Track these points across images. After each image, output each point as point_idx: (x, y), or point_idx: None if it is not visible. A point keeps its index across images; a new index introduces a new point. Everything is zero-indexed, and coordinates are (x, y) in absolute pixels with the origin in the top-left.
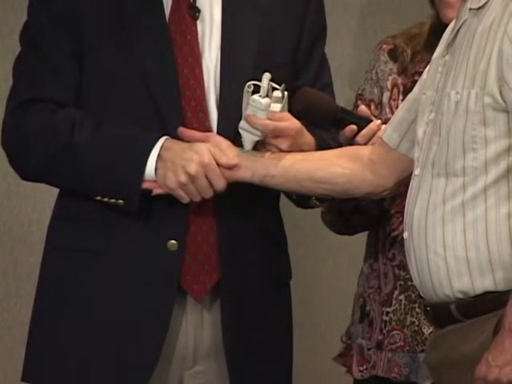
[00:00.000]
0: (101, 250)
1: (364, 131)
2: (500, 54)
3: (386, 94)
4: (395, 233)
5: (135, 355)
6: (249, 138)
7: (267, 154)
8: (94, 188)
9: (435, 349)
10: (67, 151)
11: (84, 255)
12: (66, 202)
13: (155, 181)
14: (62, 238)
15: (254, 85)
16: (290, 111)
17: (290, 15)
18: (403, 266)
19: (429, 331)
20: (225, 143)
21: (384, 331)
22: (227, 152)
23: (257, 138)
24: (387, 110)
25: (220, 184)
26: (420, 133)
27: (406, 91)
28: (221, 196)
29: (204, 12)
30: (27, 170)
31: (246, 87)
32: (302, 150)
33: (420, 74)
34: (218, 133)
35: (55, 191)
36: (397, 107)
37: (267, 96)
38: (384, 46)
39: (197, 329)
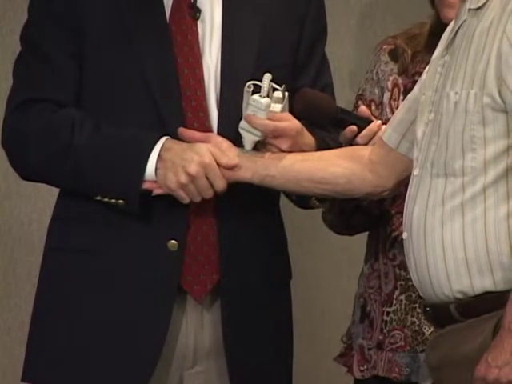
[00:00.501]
0: (101, 250)
1: (364, 132)
2: (499, 54)
3: (387, 95)
4: (396, 233)
5: (135, 355)
6: (249, 138)
7: (267, 155)
8: (94, 188)
9: (435, 349)
10: (67, 151)
11: (84, 255)
12: (66, 202)
13: (155, 181)
14: (62, 238)
15: (254, 85)
16: (290, 112)
17: (290, 15)
18: (404, 266)
19: (429, 331)
20: (225, 143)
21: (384, 331)
22: (227, 152)
23: (257, 138)
24: (388, 110)
25: (220, 184)
26: (419, 133)
27: (407, 91)
28: (221, 196)
29: (205, 12)
30: (27, 170)
31: (245, 87)
32: (302, 151)
33: (420, 74)
34: (219, 133)
35: (55, 191)
36: (397, 107)
37: (268, 96)
38: (384, 47)
39: (197, 329)
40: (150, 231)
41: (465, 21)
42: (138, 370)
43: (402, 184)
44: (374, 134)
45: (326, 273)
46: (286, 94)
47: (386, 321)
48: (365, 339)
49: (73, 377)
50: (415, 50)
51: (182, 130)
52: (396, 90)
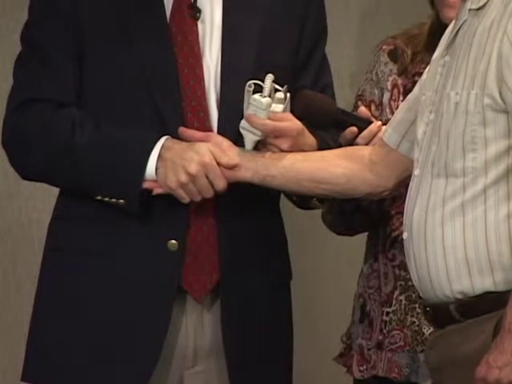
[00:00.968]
0: (101, 249)
1: (364, 133)
2: (500, 54)
3: (387, 95)
4: (395, 233)
5: (135, 355)
6: (249, 138)
7: (268, 154)
8: (94, 188)
9: (435, 349)
10: (67, 151)
11: (84, 255)
12: (67, 201)
13: (156, 180)
14: (63, 237)
15: (254, 84)
16: (291, 112)
17: (290, 16)
18: (403, 266)
19: (429, 331)
20: (225, 143)
21: (384, 331)
22: (228, 152)
23: (257, 138)
24: (387, 110)
25: (221, 184)
26: (420, 133)
27: (407, 92)
28: (221, 196)
29: (205, 12)
30: (28, 170)
31: (246, 86)
32: (302, 151)
33: (420, 74)
34: (219, 133)
35: (55, 191)
36: (397, 108)
37: (269, 97)
38: (384, 47)
39: (197, 329)
40: (150, 231)
41: (465, 21)
42: (137, 370)
43: (403, 184)
44: (374, 135)
45: (325, 273)
46: (288, 94)
47: (386, 321)
48: (364, 339)
49: (73, 377)
50: (415, 50)
51: (182, 130)
52: (396, 90)
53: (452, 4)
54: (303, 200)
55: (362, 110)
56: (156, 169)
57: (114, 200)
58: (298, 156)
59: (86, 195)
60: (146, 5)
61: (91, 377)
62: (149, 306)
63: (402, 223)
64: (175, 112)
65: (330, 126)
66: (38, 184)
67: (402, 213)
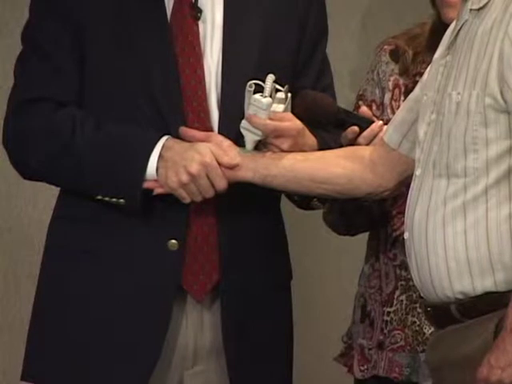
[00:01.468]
0: (101, 249)
1: (366, 132)
2: (501, 55)
3: (388, 95)
4: (397, 233)
5: (135, 355)
6: (250, 138)
7: (268, 154)
8: (94, 187)
9: (435, 349)
10: (68, 151)
11: (84, 254)
12: (67, 201)
13: (156, 180)
14: (63, 237)
15: (255, 84)
16: (292, 112)
17: (291, 16)
18: (404, 266)
19: (430, 331)
20: (226, 143)
21: (385, 331)
22: (229, 152)
23: (258, 138)
24: (389, 110)
25: (221, 184)
26: (421, 133)
27: (408, 92)
28: (222, 196)
29: (206, 12)
30: (28, 170)
31: (247, 86)
32: (303, 151)
33: (421, 74)
34: (220, 133)
35: (56, 191)
36: (398, 108)
37: (270, 97)
38: (385, 47)
39: (197, 329)
40: (151, 230)
41: (466, 21)
42: (137, 370)
43: (403, 184)
44: (376, 135)
45: (326, 273)
46: (289, 95)
47: (387, 321)
48: (365, 339)
49: (72, 376)
50: (416, 50)
51: (183, 130)
52: (397, 90)
53: (453, 4)
54: (304, 200)
55: (364, 109)
56: (157, 168)
57: (114, 199)
58: (299, 156)
59: (86, 195)
60: (146, 5)
61: (91, 376)
62: (149, 305)
63: (403, 223)
64: (176, 112)
65: (331, 126)
66: (39, 184)
67: (403, 213)
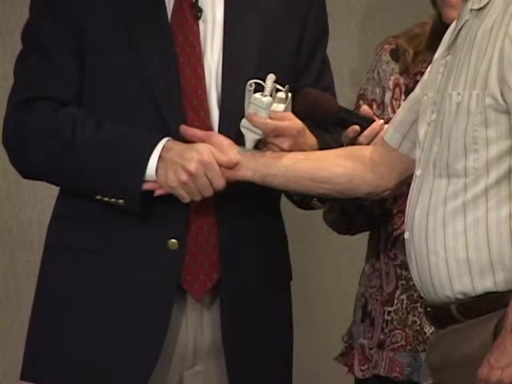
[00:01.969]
0: (101, 248)
1: (367, 131)
2: (501, 55)
3: (388, 94)
4: (397, 232)
5: (135, 354)
6: (250, 137)
7: (268, 153)
8: (94, 187)
9: (436, 349)
10: (68, 150)
11: (84, 254)
12: (67, 200)
13: (156, 181)
14: (62, 236)
15: (256, 83)
16: (292, 112)
17: (292, 16)
18: (405, 266)
19: (430, 331)
20: (226, 142)
21: (386, 331)
22: (228, 151)
23: (258, 137)
24: (389, 109)
25: (220, 183)
26: (421, 133)
27: (408, 91)
28: (222, 195)
29: (206, 12)
30: (28, 169)
31: (247, 86)
32: (303, 151)
33: (422, 73)
34: (220, 132)
35: (56, 191)
36: (399, 107)
37: (271, 97)
38: (386, 46)
39: (196, 328)
40: (151, 230)
41: (467, 21)
42: (137, 369)
43: (404, 184)
44: (377, 134)
45: (326, 273)
46: (290, 94)
47: (387, 320)
48: (366, 339)
49: (72, 376)
50: (417, 49)
51: (183, 128)
52: (397, 89)
53: (453, 4)
54: (304, 200)
55: (365, 108)
56: (156, 169)
57: (113, 200)
58: (299, 155)
59: (86, 194)
60: (146, 4)
61: (90, 376)
62: (149, 305)
63: (403, 222)
64: (176, 111)
65: (332, 125)
66: (38, 184)
67: (404, 212)
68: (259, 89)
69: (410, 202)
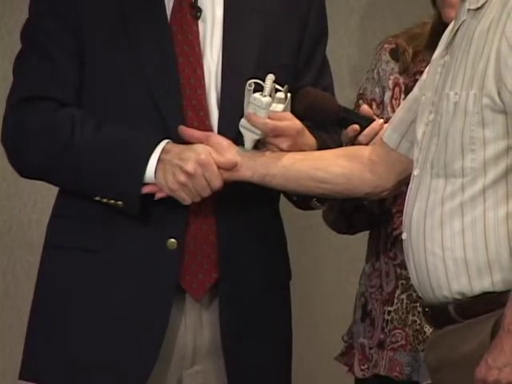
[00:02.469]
0: (100, 248)
1: (366, 130)
2: (498, 55)
3: (388, 94)
4: (397, 232)
5: (134, 354)
6: (249, 137)
7: (267, 154)
8: (93, 189)
9: (434, 349)
10: (67, 151)
11: (83, 253)
12: (66, 199)
13: (155, 184)
14: (61, 235)
15: (255, 83)
16: (292, 112)
17: (291, 16)
18: (405, 265)
19: (430, 330)
20: (225, 142)
21: (386, 330)
22: (227, 151)
23: (257, 137)
24: (389, 109)
25: (217, 183)
26: (419, 133)
27: (408, 91)
28: (221, 195)
29: (206, 12)
30: (26, 168)
31: (247, 85)
32: (302, 151)
33: (421, 73)
34: (219, 132)
35: (55, 191)
36: (398, 106)
37: (270, 97)
38: (385, 46)
39: (196, 328)
40: (150, 229)
41: (464, 21)
42: (136, 369)
43: (402, 184)
44: (377, 133)
45: (326, 273)
46: (289, 94)
47: (387, 320)
48: (366, 338)
49: (70, 375)
50: (416, 49)
51: (182, 129)
52: (397, 89)
53: (453, 4)
54: (303, 200)
55: (364, 107)
56: (155, 172)
57: (112, 201)
58: (298, 155)
59: (85, 195)
60: (146, 4)
61: (89, 375)
62: (147, 304)
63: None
64: (175, 111)
65: (331, 124)
66: (38, 183)
67: (403, 211)
68: (258, 89)
69: (408, 202)
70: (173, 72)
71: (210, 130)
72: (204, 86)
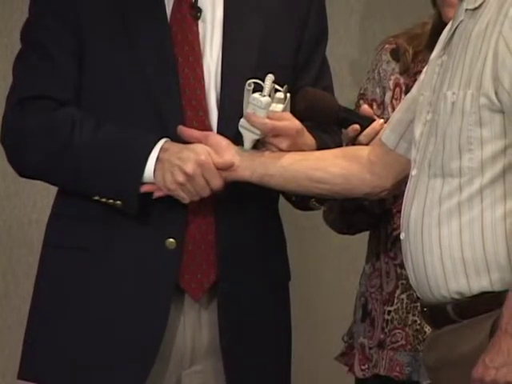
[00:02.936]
0: (99, 247)
1: (367, 130)
2: (495, 54)
3: (388, 94)
4: (397, 232)
5: (133, 354)
6: (248, 137)
7: (266, 153)
8: (91, 188)
9: (432, 349)
10: (66, 151)
11: (82, 253)
12: (65, 199)
13: (154, 183)
14: (61, 235)
15: (254, 83)
16: (292, 112)
17: (291, 16)
18: None
19: (431, 330)
20: (224, 142)
21: (386, 330)
22: (226, 152)
23: (256, 137)
24: (389, 109)
25: (216, 183)
26: (417, 133)
27: (408, 91)
28: (220, 195)
29: (206, 12)
30: (25, 168)
31: (246, 85)
32: (301, 151)
33: None
34: (218, 132)
35: (55, 191)
36: None
37: (269, 97)
38: (386, 46)
39: (194, 328)
40: (148, 229)
41: (462, 21)
42: (135, 369)
43: (401, 184)
44: (377, 133)
45: (326, 273)
46: (288, 95)
47: (388, 320)
48: (366, 338)
49: (69, 375)
50: (417, 49)
51: (180, 129)
52: (398, 89)
53: (453, 3)
54: (302, 200)
55: (365, 107)
56: (154, 171)
57: (111, 201)
58: (297, 156)
59: (83, 194)
60: (146, 4)
61: (88, 375)
62: (146, 304)
63: None
64: (175, 111)
65: (331, 124)
66: (38, 184)
67: None
68: (258, 89)
69: (406, 202)
70: (173, 72)
71: (210, 129)
72: (204, 85)
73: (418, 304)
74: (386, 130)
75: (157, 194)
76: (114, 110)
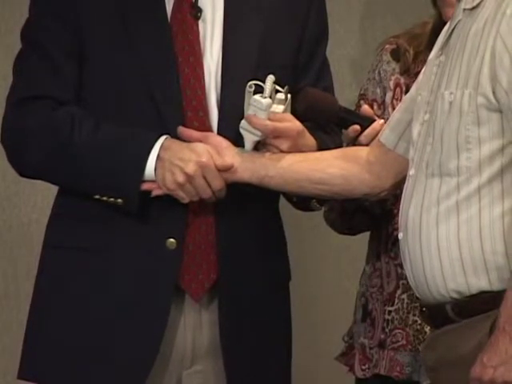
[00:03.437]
0: (99, 247)
1: (367, 131)
2: (493, 54)
3: (389, 94)
4: (397, 232)
5: (133, 354)
6: (249, 138)
7: (267, 155)
8: (92, 187)
9: (431, 349)
10: (66, 150)
11: (82, 253)
12: (65, 199)
13: (154, 181)
14: (61, 235)
15: (255, 85)
16: (292, 112)
17: (291, 16)
18: None
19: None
20: (224, 143)
21: (386, 330)
22: (226, 153)
23: (257, 138)
24: (390, 109)
25: (218, 184)
26: (415, 133)
27: (409, 91)
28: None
29: (206, 12)
30: (25, 168)
31: (247, 87)
32: (302, 152)
33: None
34: (218, 133)
35: (55, 191)
36: None
37: (270, 98)
38: (386, 46)
39: (195, 328)
40: (149, 229)
41: (460, 21)
42: (135, 369)
43: (401, 184)
44: (377, 133)
45: (326, 273)
46: (289, 95)
47: (388, 320)
48: (366, 338)
49: (69, 375)
50: (417, 49)
51: (180, 129)
52: (398, 89)
53: (453, 4)
54: (302, 201)
55: (365, 108)
56: (155, 169)
57: (112, 199)
58: (297, 157)
59: (84, 194)
60: (146, 4)
61: (88, 375)
62: (147, 304)
63: None
64: (175, 111)
65: (332, 124)
66: (38, 183)
67: None
68: (259, 90)
69: (404, 201)
70: (173, 72)
71: (210, 130)
72: (204, 86)
73: (419, 304)
74: (385, 130)
75: (155, 193)
76: (114, 110)
